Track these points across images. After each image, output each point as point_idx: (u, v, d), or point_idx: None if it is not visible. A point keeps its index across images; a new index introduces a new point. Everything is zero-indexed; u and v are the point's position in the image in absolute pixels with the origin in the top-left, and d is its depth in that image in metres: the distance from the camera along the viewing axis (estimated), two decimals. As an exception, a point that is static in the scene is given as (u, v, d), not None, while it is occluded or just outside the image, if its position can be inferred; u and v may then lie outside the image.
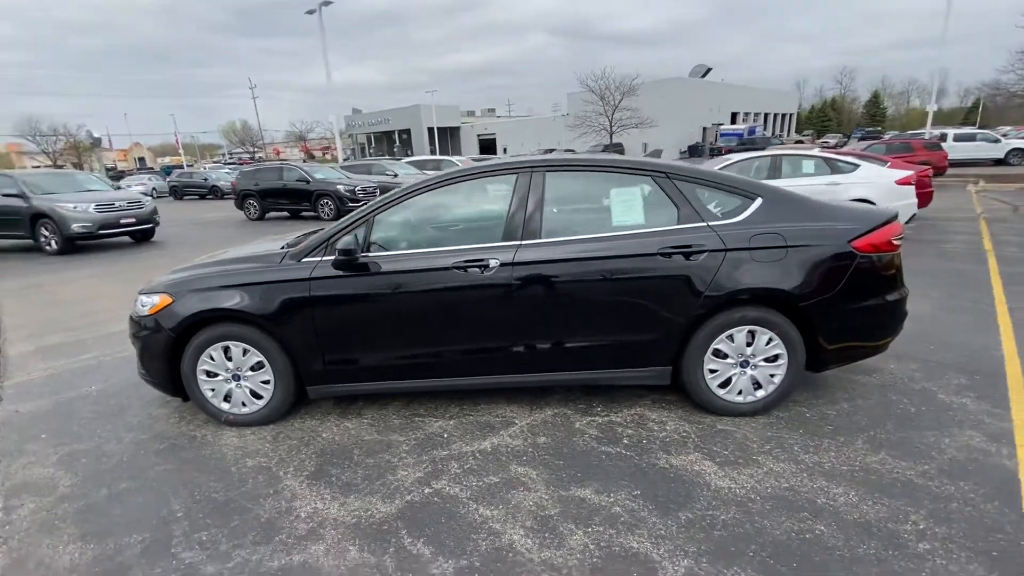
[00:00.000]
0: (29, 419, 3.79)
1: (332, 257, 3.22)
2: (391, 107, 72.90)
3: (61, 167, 50.49)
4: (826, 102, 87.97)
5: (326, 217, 14.81)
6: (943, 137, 23.96)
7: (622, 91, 42.46)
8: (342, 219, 3.41)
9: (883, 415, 3.31)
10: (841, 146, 39.26)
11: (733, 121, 58.38)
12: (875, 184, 8.44)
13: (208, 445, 3.32)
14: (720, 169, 9.05)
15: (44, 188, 11.58)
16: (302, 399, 3.59)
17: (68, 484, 3.01)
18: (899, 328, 3.40)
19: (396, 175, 17.80)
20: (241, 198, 16.88)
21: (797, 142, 46.89)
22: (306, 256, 3.29)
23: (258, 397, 3.45)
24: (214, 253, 4.04)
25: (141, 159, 77.53)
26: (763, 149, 15.98)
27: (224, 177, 28.02)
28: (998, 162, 24.08)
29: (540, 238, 3.22)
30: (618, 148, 41.19)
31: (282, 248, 3.48)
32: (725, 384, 3.29)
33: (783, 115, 71.26)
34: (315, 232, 3.59)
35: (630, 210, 3.28)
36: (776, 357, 3.22)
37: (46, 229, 11.15)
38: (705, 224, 3.16)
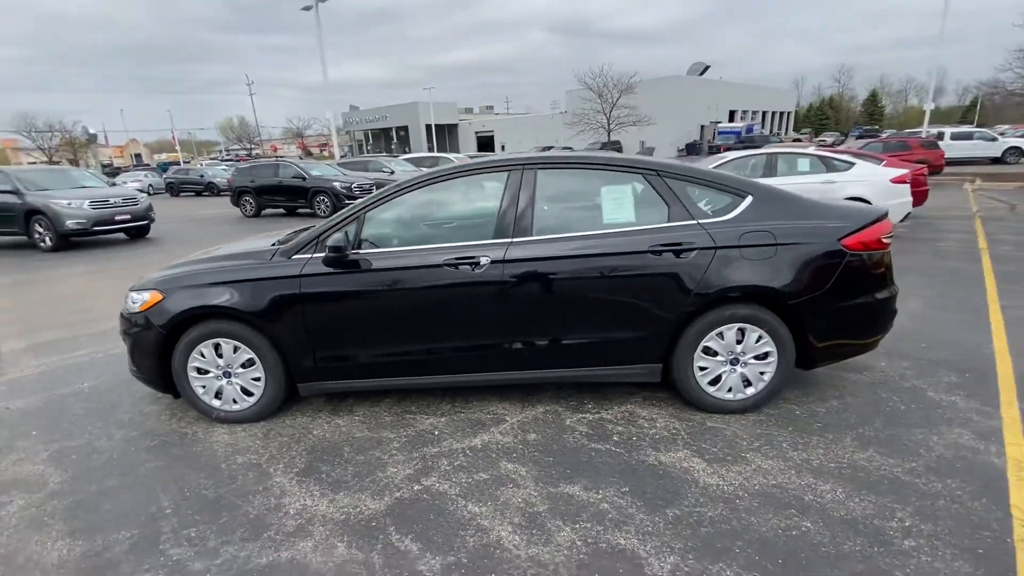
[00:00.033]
0: (20, 416, 3.79)
1: (322, 254, 3.22)
2: (389, 104, 72.72)
3: (57, 163, 50.31)
4: (824, 100, 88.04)
5: (322, 214, 14.79)
6: (940, 136, 24.00)
7: (620, 89, 42.40)
8: (333, 216, 3.41)
9: (872, 412, 3.32)
10: (838, 144, 39.32)
11: (731, 119, 58.35)
12: (870, 182, 8.46)
13: (199, 442, 3.32)
14: (716, 167, 9.12)
15: (38, 184, 11.55)
16: (293, 396, 3.59)
17: (58, 481, 3.01)
18: (889, 326, 3.41)
19: (393, 172, 17.77)
20: (237, 195, 16.87)
21: (795, 140, 46.97)
22: (296, 253, 3.28)
23: (249, 394, 3.44)
24: (208, 249, 4.03)
25: (138, 155, 77.30)
26: (761, 147, 16.01)
27: (220, 174, 27.94)
28: (995, 160, 24.13)
29: (531, 235, 3.22)
30: (616, 146, 41.17)
31: (273, 245, 3.48)
32: (715, 381, 3.30)
33: (781, 113, 71.25)
34: (306, 229, 3.59)
35: (621, 208, 3.28)
36: (766, 355, 3.22)
37: (40, 226, 11.12)
38: (695, 222, 3.16)
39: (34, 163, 51.25)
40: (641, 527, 2.42)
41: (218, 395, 3.46)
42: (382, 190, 3.43)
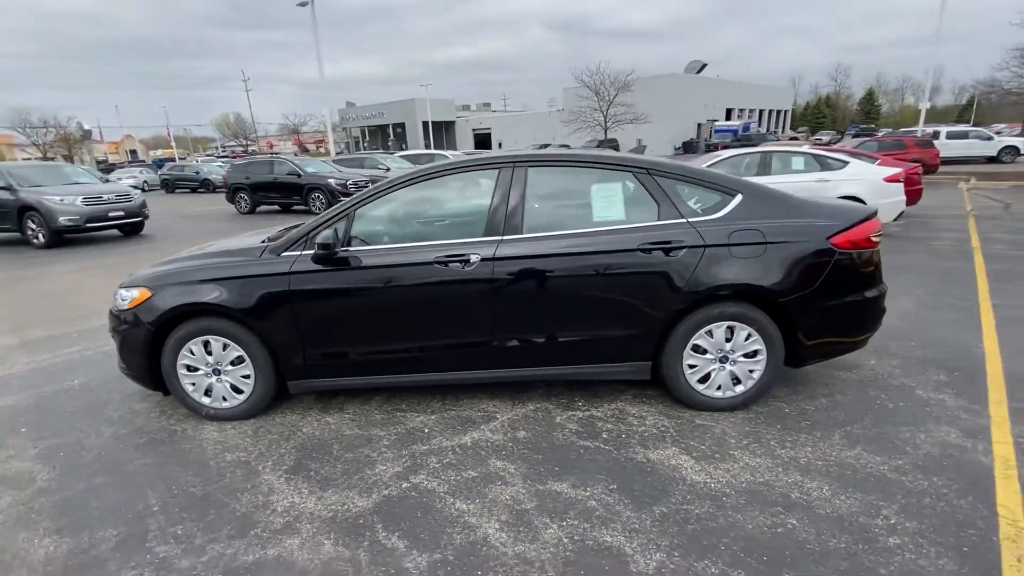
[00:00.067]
0: (9, 413, 3.77)
1: (312, 251, 3.21)
2: (386, 100, 72.51)
3: (51, 159, 50.04)
4: (821, 99, 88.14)
5: (317, 211, 14.74)
6: (935, 135, 24.05)
7: (617, 86, 42.34)
8: (323, 213, 3.40)
9: (861, 411, 3.33)
10: (834, 143, 39.39)
11: (728, 117, 58.42)
12: (864, 181, 8.47)
13: (188, 439, 3.31)
14: (711, 165, 9.13)
15: (32, 181, 11.48)
16: (284, 394, 3.58)
17: (46, 478, 3.00)
18: (878, 324, 3.43)
19: (389, 169, 17.72)
20: (232, 192, 16.82)
21: (792, 139, 47.05)
22: (286, 250, 3.27)
23: (239, 391, 3.44)
24: (201, 246, 4.02)
25: (133, 152, 76.86)
26: (757, 146, 16.04)
27: (216, 170, 27.82)
28: (991, 160, 24.19)
29: (521, 233, 3.22)
30: (612, 144, 41.14)
31: (263, 242, 3.47)
32: (704, 379, 3.30)
33: (778, 111, 71.35)
34: (297, 226, 3.58)
35: (611, 206, 3.28)
36: (755, 353, 3.23)
37: (33, 222, 11.07)
38: (685, 220, 3.17)
39: (29, 159, 50.93)
40: (628, 524, 2.43)
41: (207, 392, 3.45)
42: (372, 187, 3.42)
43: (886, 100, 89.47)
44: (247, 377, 3.39)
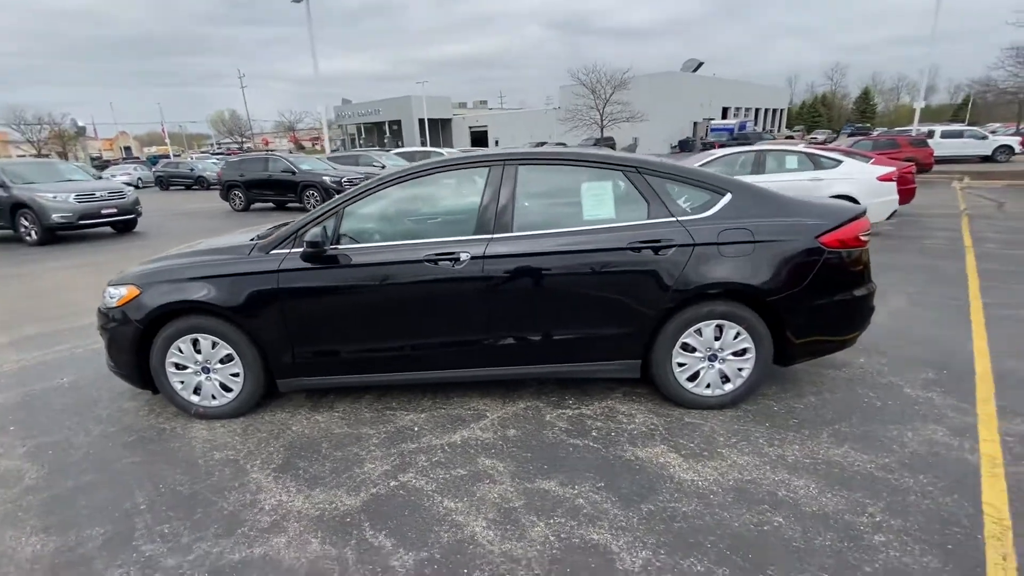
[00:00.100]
0: (-3, 411, 3.76)
1: (300, 249, 3.20)
2: (382, 98, 72.33)
3: (46, 156, 49.75)
4: (817, 98, 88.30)
5: (312, 208, 14.67)
6: (930, 134, 24.14)
7: (613, 85, 42.37)
8: (312, 211, 3.39)
9: (849, 409, 3.34)
10: (830, 142, 39.49)
11: (724, 116, 58.48)
12: (857, 180, 8.49)
13: (177, 438, 3.30)
14: (705, 163, 9.15)
15: (24, 177, 11.42)
16: (274, 392, 3.57)
17: (34, 476, 2.99)
18: (866, 323, 3.44)
19: (384, 166, 17.70)
20: (226, 189, 16.75)
21: (788, 138, 47.12)
22: (275, 248, 3.26)
23: (228, 390, 3.43)
24: (189, 244, 4.00)
25: (127, 148, 76.54)
26: (753, 144, 16.07)
27: (211, 167, 27.72)
28: (985, 159, 24.29)
29: (512, 231, 3.21)
30: (609, 142, 41.18)
31: (252, 240, 3.46)
32: (694, 377, 3.31)
33: (774, 110, 71.45)
34: (286, 224, 3.57)
35: (601, 204, 3.28)
36: (744, 351, 3.24)
37: (26, 219, 11.02)
38: (674, 219, 3.17)
39: (24, 156, 50.67)
40: (615, 522, 2.43)
41: (197, 391, 3.44)
42: (361, 184, 3.41)
43: (882, 99, 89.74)
44: (236, 375, 3.38)
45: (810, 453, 2.90)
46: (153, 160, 42.45)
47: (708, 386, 3.31)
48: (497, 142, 65.82)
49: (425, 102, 61.72)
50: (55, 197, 10.93)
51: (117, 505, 2.69)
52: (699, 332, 3.22)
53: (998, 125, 41.76)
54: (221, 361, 3.37)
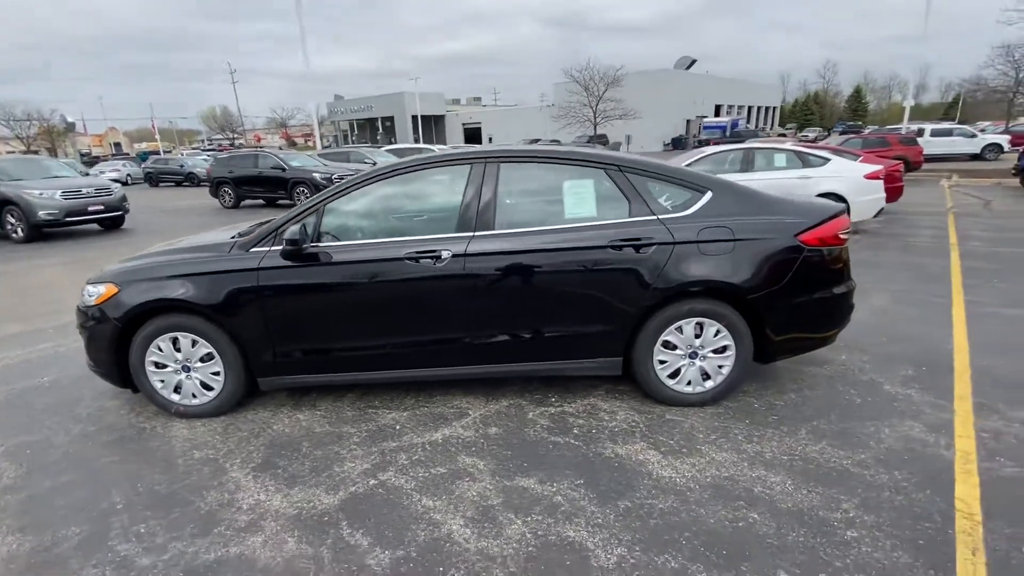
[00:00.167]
0: (-24, 410, 3.73)
1: (281, 247, 3.19)
2: (375, 94, 72.01)
3: (35, 153, 49.30)
4: (809, 96, 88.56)
5: (303, 206, 14.61)
6: (920, 132, 24.27)
7: (606, 82, 42.36)
8: (293, 208, 3.38)
9: (829, 406, 3.37)
10: (821, 140, 39.68)
11: (717, 114, 58.62)
12: (845, 178, 8.55)
13: (157, 437, 3.29)
14: (695, 161, 9.16)
15: (10, 174, 11.32)
16: (256, 391, 3.56)
17: (12, 476, 2.97)
18: (846, 320, 3.46)
19: (375, 163, 17.64)
20: (216, 186, 16.64)
21: (780, 135, 47.28)
22: (255, 246, 3.25)
23: (209, 388, 3.41)
24: (170, 241, 3.98)
25: (117, 144, 75.81)
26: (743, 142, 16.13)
27: (201, 164, 27.51)
28: (974, 157, 24.46)
29: (493, 229, 3.21)
30: (602, 139, 41.19)
31: (232, 238, 3.44)
32: (675, 375, 3.33)
33: (767, 108, 71.73)
34: (268, 221, 3.55)
35: (582, 202, 3.29)
36: (724, 348, 3.26)
37: (12, 216, 10.92)
38: (655, 217, 3.18)
39: (13, 152, 50.14)
40: (591, 519, 2.44)
41: (177, 389, 3.42)
42: (343, 182, 3.40)
43: (874, 97, 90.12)
44: (217, 374, 3.37)
45: (788, 450, 2.92)
46: (143, 156, 42.08)
47: (689, 383, 3.33)
48: (491, 139, 65.68)
49: (418, 98, 61.44)
50: (41, 194, 10.83)
51: (94, 505, 2.68)
52: (680, 330, 3.23)
53: (987, 123, 42.03)
54: (201, 360, 3.35)
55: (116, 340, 3.30)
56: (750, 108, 66.79)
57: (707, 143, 37.16)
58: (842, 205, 3.44)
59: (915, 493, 2.55)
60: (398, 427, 3.30)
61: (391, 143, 48.05)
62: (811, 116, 79.75)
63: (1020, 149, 15.63)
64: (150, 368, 3.36)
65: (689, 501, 2.54)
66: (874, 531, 2.32)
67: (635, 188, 3.24)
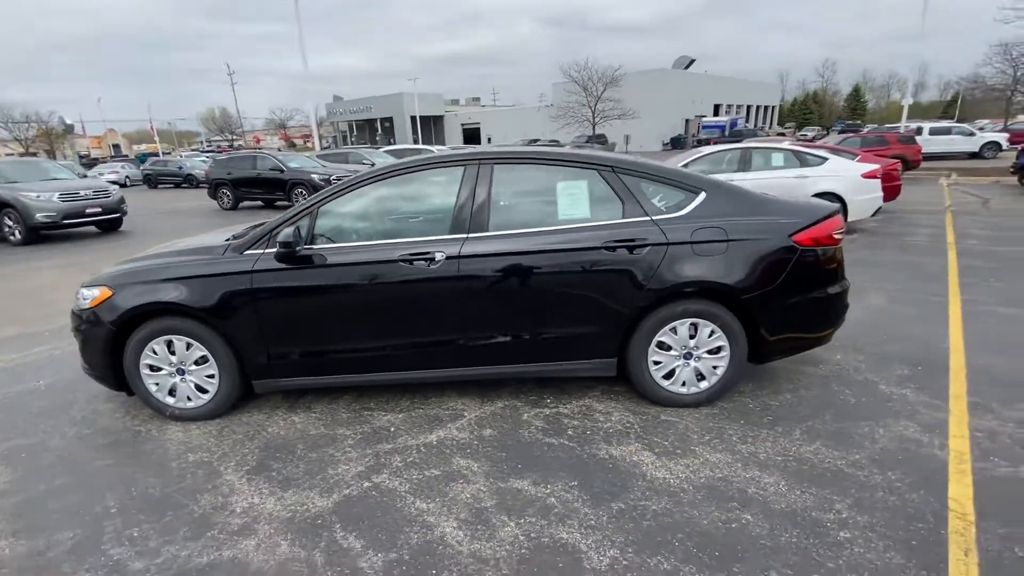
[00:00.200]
0: (-29, 414, 3.72)
1: (274, 250, 3.18)
2: (374, 95, 71.99)
3: (34, 155, 49.27)
4: (808, 95, 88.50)
5: (301, 207, 14.61)
6: (918, 131, 24.25)
7: (605, 82, 42.37)
8: (287, 211, 3.38)
9: (824, 405, 3.37)
10: (819, 139, 39.67)
11: (716, 113, 58.61)
12: (842, 177, 8.55)
13: (151, 440, 3.29)
14: (692, 161, 9.16)
15: (8, 177, 11.33)
16: (252, 393, 3.55)
17: (7, 479, 2.97)
18: (840, 320, 3.46)
19: (373, 164, 17.63)
20: (214, 187, 16.65)
21: (779, 135, 47.25)
22: (248, 248, 3.25)
23: (203, 391, 3.41)
24: (166, 244, 3.98)
25: (116, 146, 75.83)
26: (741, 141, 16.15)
27: (199, 166, 27.56)
28: (973, 155, 24.45)
29: (487, 231, 3.21)
30: (601, 139, 41.17)
31: (227, 240, 3.44)
32: (669, 375, 3.33)
33: (766, 107, 71.67)
34: (263, 223, 3.55)
35: (576, 204, 3.29)
36: (719, 349, 3.26)
37: (9, 219, 10.93)
38: (649, 218, 3.18)
39: (12, 155, 50.12)
40: (585, 521, 2.44)
41: (171, 392, 3.42)
42: (337, 184, 3.40)
43: (872, 96, 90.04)
44: (211, 377, 3.37)
45: (782, 450, 2.92)
46: (142, 158, 42.11)
47: (683, 384, 3.33)
48: (490, 139, 65.68)
49: (417, 99, 61.46)
50: (39, 196, 10.84)
51: (88, 508, 2.68)
52: (674, 330, 3.23)
53: (986, 122, 42.06)
54: (196, 362, 3.35)
55: (111, 343, 3.30)
56: (749, 107, 66.75)
57: (706, 142, 37.17)
58: (836, 205, 3.44)
59: (909, 493, 2.55)
60: (393, 429, 3.30)
61: (390, 144, 48.09)
62: (810, 115, 79.69)
63: (1018, 147, 15.61)
64: (145, 371, 3.36)
65: (683, 502, 2.54)
66: (867, 532, 2.31)
67: (628, 189, 3.24)
